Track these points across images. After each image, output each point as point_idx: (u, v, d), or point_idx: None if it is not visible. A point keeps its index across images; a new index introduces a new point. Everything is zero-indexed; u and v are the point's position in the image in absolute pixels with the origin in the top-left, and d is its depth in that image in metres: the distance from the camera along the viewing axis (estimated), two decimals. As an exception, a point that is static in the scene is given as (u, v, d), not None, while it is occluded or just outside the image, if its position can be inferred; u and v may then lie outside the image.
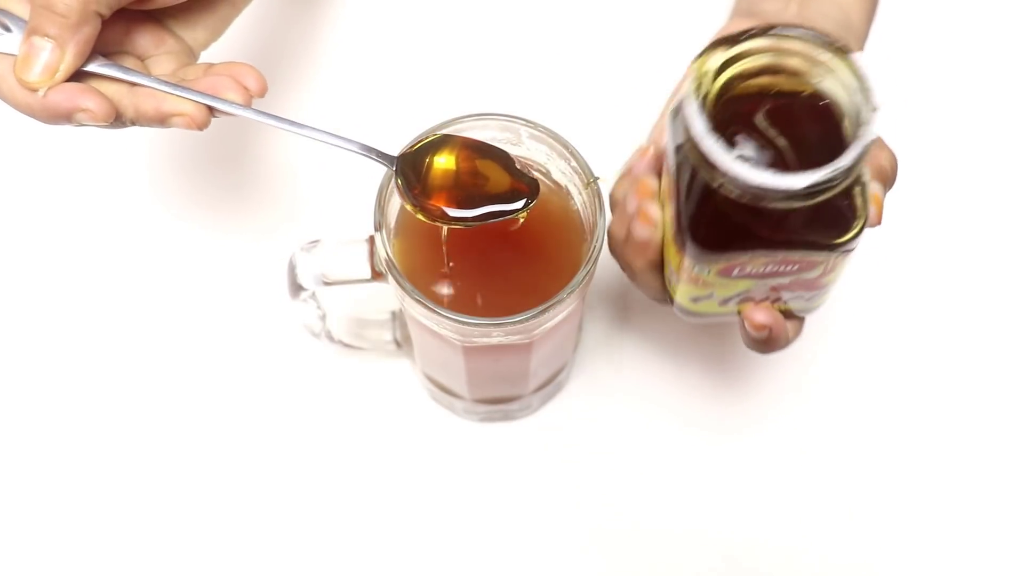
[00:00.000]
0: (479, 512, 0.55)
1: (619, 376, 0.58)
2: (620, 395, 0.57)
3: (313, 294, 0.50)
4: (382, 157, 0.45)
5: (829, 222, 0.39)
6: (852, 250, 0.40)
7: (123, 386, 0.58)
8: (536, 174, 0.50)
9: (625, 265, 0.46)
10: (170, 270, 0.60)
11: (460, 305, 0.44)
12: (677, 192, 0.40)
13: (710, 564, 0.54)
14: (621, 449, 0.56)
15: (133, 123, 0.44)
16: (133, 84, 0.43)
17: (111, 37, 0.44)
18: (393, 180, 0.45)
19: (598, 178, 0.46)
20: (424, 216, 0.45)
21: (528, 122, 0.47)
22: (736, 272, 0.40)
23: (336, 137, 0.44)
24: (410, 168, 0.45)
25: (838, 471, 0.56)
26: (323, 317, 0.53)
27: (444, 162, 0.45)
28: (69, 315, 0.59)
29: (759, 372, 0.58)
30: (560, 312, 0.46)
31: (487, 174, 0.45)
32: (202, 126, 0.43)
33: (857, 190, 0.38)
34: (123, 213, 0.61)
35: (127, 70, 0.43)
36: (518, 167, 0.46)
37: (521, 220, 0.45)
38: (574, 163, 0.47)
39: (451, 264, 0.48)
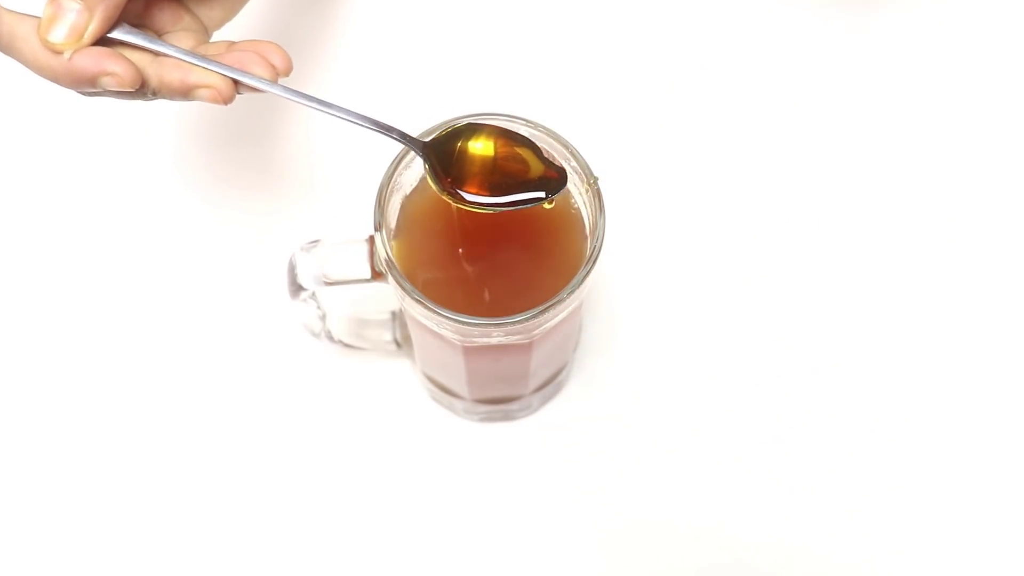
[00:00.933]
0: (479, 512, 0.55)
1: (619, 376, 0.58)
2: (620, 395, 0.57)
3: (313, 294, 0.50)
4: (411, 141, 0.45)
5: None
6: None
7: (122, 386, 0.58)
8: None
9: None
10: (169, 271, 0.60)
11: (460, 305, 0.44)
12: None
13: (711, 564, 0.54)
14: (621, 449, 0.56)
15: (155, 94, 0.43)
16: (157, 54, 0.42)
17: (131, 9, 0.43)
18: (424, 167, 0.45)
19: (598, 178, 0.46)
20: (453, 200, 0.45)
21: (528, 122, 0.47)
22: None
23: (365, 118, 0.43)
24: (434, 154, 0.45)
25: (840, 472, 0.56)
26: (323, 317, 0.53)
27: (481, 148, 0.45)
28: (70, 316, 0.59)
29: (761, 373, 0.58)
30: (560, 312, 0.46)
31: (524, 160, 0.45)
32: (228, 100, 0.42)
33: None
34: (120, 216, 0.61)
35: (153, 39, 0.42)
36: (545, 156, 0.46)
37: (548, 206, 0.45)
38: (574, 163, 0.47)
39: (451, 264, 0.49)
